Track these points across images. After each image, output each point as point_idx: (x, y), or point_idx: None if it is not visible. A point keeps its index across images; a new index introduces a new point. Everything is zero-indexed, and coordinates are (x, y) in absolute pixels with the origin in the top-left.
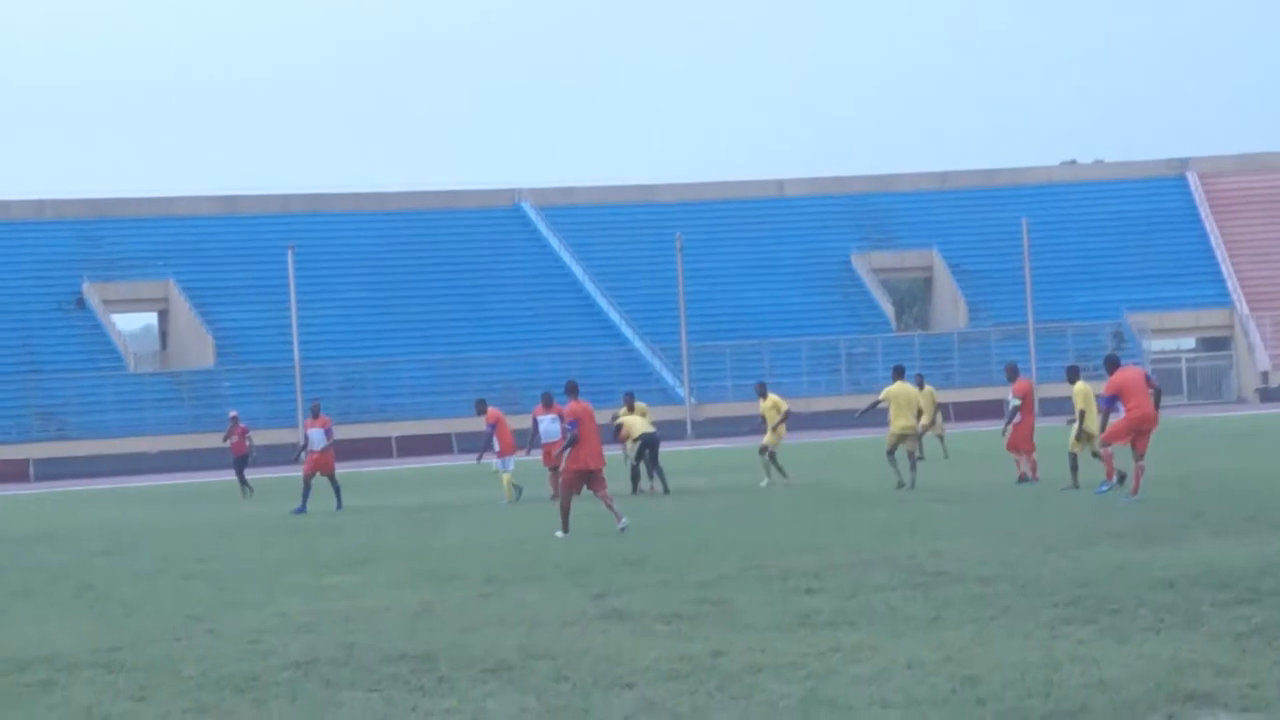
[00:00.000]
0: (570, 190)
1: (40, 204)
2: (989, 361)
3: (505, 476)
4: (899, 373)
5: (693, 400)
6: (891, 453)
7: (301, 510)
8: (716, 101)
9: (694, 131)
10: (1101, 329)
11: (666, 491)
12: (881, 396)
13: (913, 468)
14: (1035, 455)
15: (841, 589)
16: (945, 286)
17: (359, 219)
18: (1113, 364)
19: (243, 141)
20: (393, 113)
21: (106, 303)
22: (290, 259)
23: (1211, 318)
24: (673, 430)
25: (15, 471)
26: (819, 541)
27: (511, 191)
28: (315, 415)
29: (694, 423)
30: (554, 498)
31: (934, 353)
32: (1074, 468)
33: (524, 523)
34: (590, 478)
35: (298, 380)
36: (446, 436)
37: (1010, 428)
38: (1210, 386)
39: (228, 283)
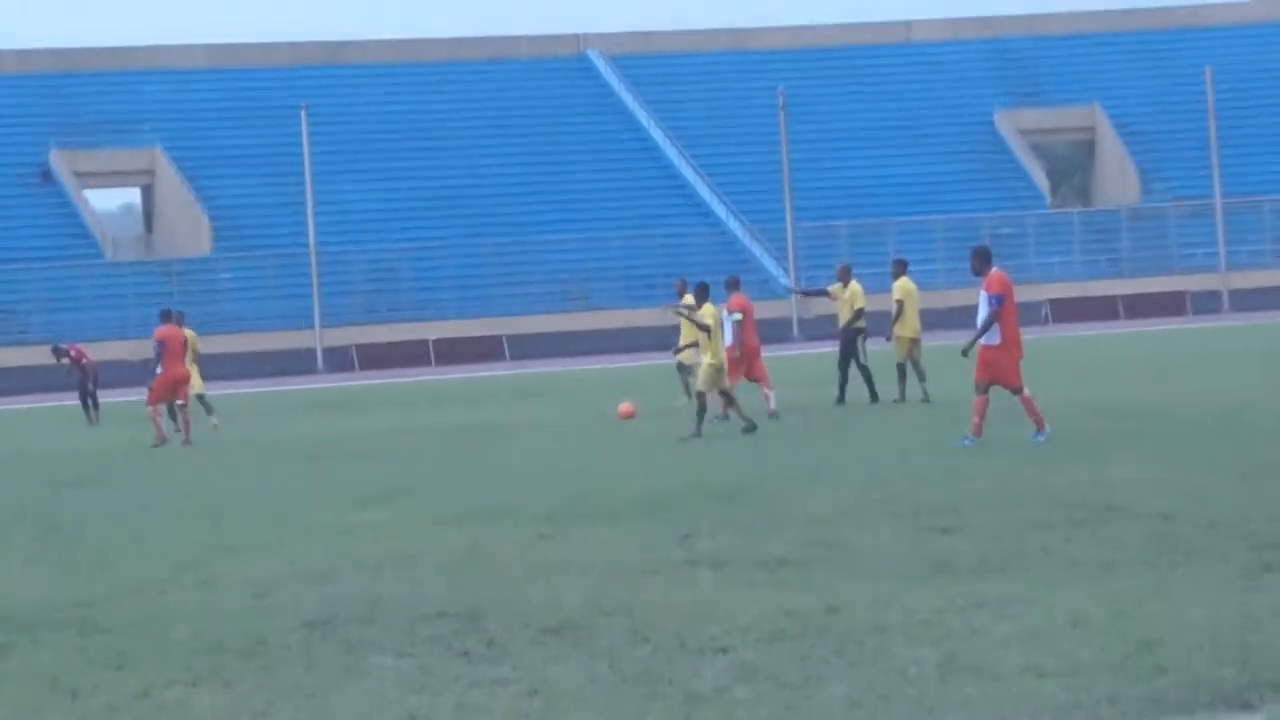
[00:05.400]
0: (648, 36)
1: None
2: (1166, 244)
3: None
4: (903, 266)
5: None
6: (903, 365)
7: None
8: None
9: None
10: None
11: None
12: (898, 297)
13: (923, 378)
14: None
15: (987, 527)
16: (1111, 152)
17: (388, 72)
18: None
19: None
20: None
21: (78, 175)
22: (304, 122)
23: None
24: (775, 330)
25: None
26: (958, 468)
27: (576, 38)
28: None
29: (801, 321)
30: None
31: (1097, 233)
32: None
33: (591, 447)
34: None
35: (313, 271)
36: (497, 339)
37: (727, 350)
38: None
39: (227, 151)
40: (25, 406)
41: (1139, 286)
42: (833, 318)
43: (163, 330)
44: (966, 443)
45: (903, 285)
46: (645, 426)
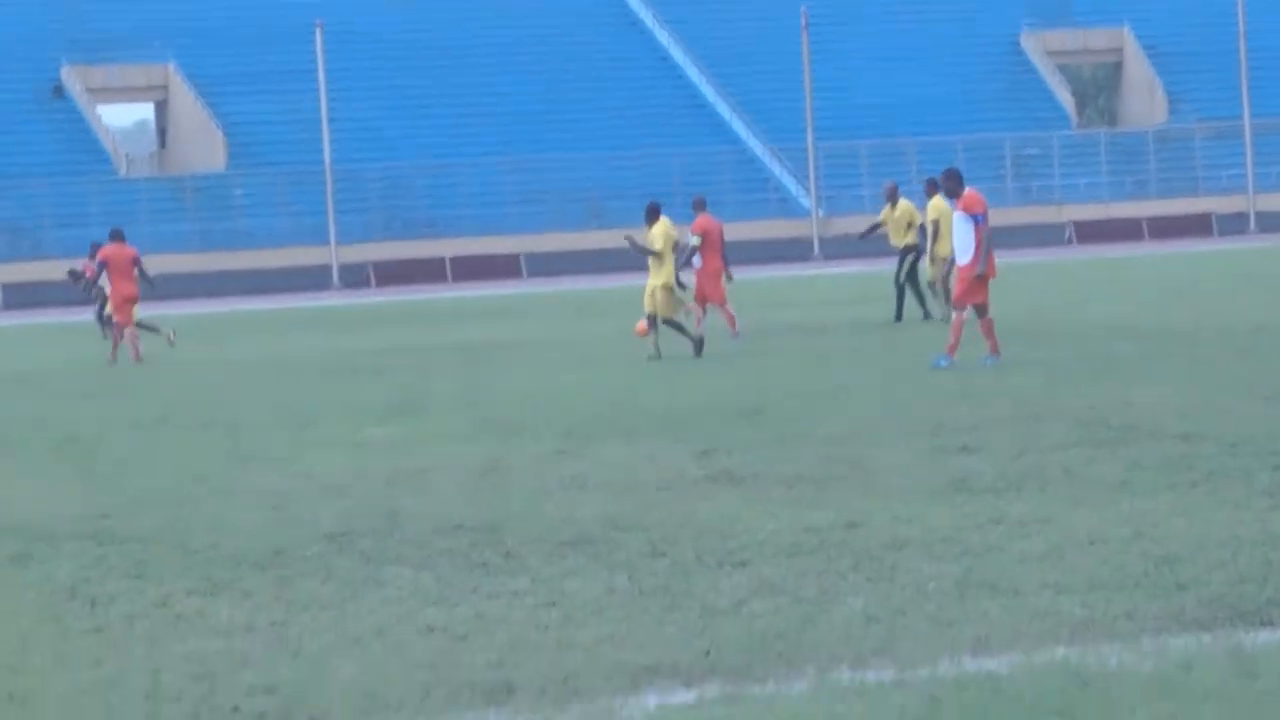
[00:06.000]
0: None
1: None
2: (1193, 166)
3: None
4: (936, 185)
5: (820, 213)
6: (934, 285)
7: None
8: None
9: None
10: None
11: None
12: (934, 217)
13: (947, 299)
14: (730, 306)
15: (1006, 447)
16: (1138, 73)
17: None
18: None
19: None
20: None
21: (91, 91)
22: (319, 36)
23: None
24: (795, 250)
25: None
26: (979, 387)
27: None
28: None
29: (822, 240)
30: None
31: (1124, 155)
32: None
33: (609, 364)
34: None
35: (328, 187)
36: (514, 257)
37: (694, 274)
38: None
39: (241, 66)
40: (39, 322)
41: (1165, 208)
42: (853, 237)
43: (107, 249)
44: (988, 363)
45: (936, 205)
46: (662, 344)
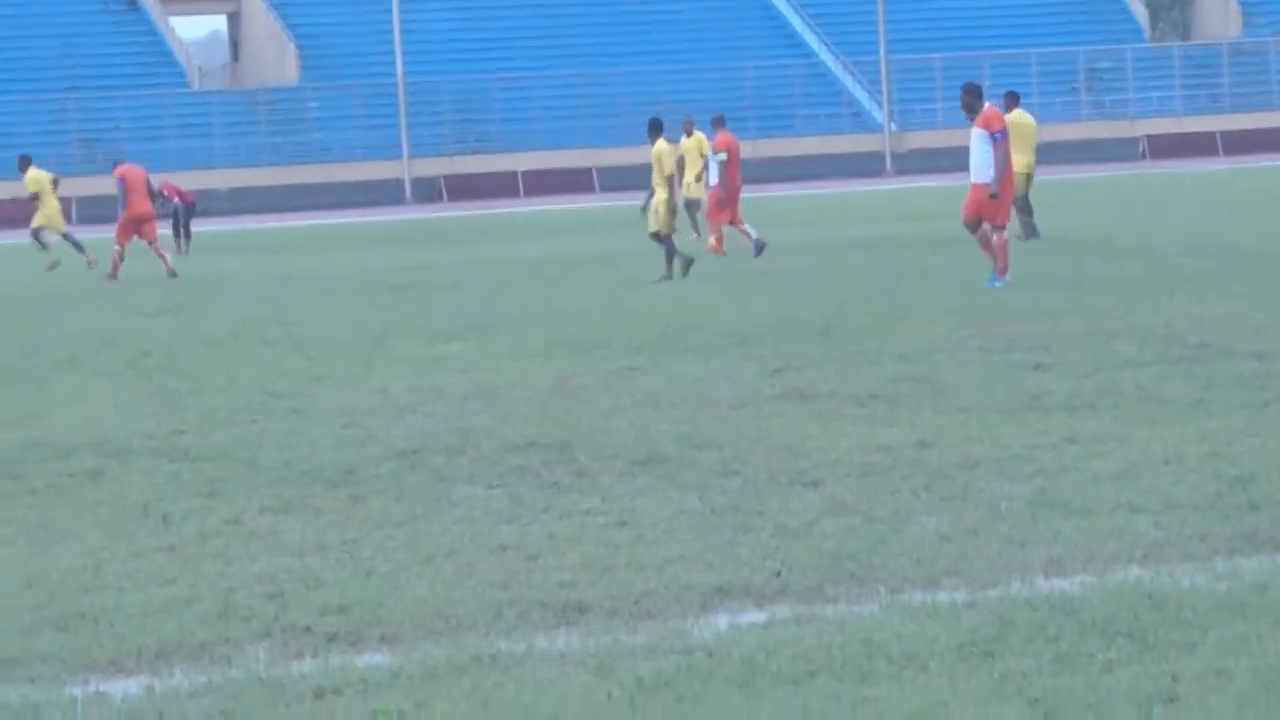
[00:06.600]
0: None
1: None
2: (1268, 80)
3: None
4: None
5: (893, 127)
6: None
7: None
8: None
9: None
10: None
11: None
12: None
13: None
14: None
15: (1080, 364)
16: None
17: None
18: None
19: None
20: None
21: (164, 2)
22: None
23: None
24: (868, 164)
25: None
26: (1052, 305)
27: None
28: None
29: (894, 155)
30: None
31: (1198, 68)
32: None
33: (680, 280)
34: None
35: (401, 101)
36: (587, 171)
37: (719, 189)
38: None
39: None
40: (109, 235)
41: (1239, 123)
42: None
43: (123, 168)
44: (997, 284)
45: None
46: (735, 260)
